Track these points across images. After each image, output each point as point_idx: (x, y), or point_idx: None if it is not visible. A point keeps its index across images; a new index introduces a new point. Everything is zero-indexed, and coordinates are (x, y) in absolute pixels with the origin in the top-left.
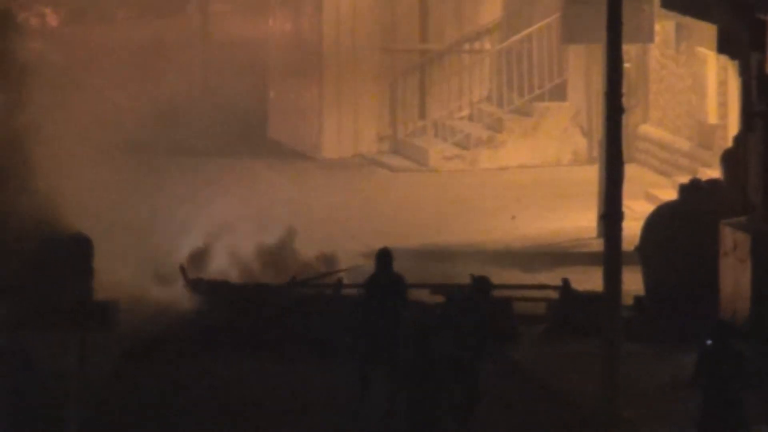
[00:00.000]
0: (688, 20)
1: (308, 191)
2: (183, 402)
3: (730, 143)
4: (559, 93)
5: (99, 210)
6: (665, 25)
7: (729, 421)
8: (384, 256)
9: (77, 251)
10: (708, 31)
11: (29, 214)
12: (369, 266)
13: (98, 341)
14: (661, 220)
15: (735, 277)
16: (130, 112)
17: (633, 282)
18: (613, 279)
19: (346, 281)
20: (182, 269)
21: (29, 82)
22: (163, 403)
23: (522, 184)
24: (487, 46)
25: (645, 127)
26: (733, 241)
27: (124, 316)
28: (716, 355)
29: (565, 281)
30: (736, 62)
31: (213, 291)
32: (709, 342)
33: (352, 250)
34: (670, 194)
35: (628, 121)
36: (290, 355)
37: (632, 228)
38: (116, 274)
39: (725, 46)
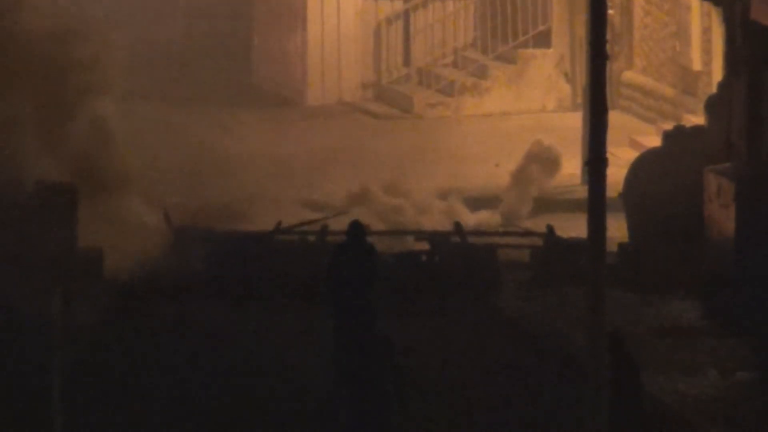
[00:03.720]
0: None
1: (291, 138)
2: (166, 351)
3: (714, 90)
4: (543, 40)
5: (77, 157)
6: None
7: None
8: (355, 229)
9: (62, 199)
10: None
11: (13, 162)
12: (353, 213)
13: (82, 290)
14: (645, 166)
15: (719, 224)
16: (111, 58)
17: (617, 229)
18: (597, 226)
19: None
20: (166, 217)
21: None
22: (148, 353)
23: (506, 131)
24: None
25: (629, 74)
26: (717, 188)
27: (108, 264)
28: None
29: (550, 228)
30: (720, 9)
31: (197, 239)
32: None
33: (335, 197)
34: (654, 141)
35: (612, 68)
36: (275, 304)
37: (616, 175)
38: (98, 221)
39: None
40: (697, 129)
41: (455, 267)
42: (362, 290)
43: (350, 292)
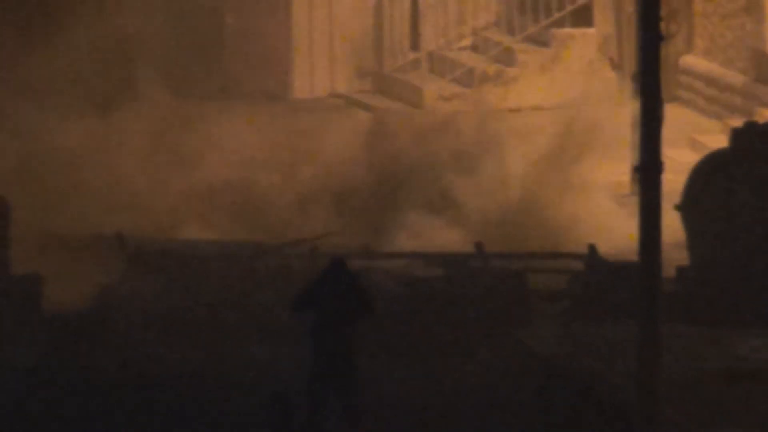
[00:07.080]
0: None
1: (271, 141)
2: (119, 400)
3: None
4: (583, 17)
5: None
6: None
7: None
8: (336, 270)
9: None
10: None
11: None
12: (344, 234)
13: (18, 323)
14: (709, 172)
15: None
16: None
17: (675, 249)
18: (650, 246)
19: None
20: (120, 238)
21: None
22: (95, 402)
23: (537, 130)
24: None
25: (689, 59)
26: None
27: (49, 292)
28: None
29: (592, 248)
30: None
31: (158, 264)
32: None
33: (324, 213)
34: (721, 141)
35: (667, 50)
36: (253, 338)
37: (673, 182)
38: (39, 240)
39: None
40: None
41: (475, 297)
42: (341, 340)
43: (328, 339)
